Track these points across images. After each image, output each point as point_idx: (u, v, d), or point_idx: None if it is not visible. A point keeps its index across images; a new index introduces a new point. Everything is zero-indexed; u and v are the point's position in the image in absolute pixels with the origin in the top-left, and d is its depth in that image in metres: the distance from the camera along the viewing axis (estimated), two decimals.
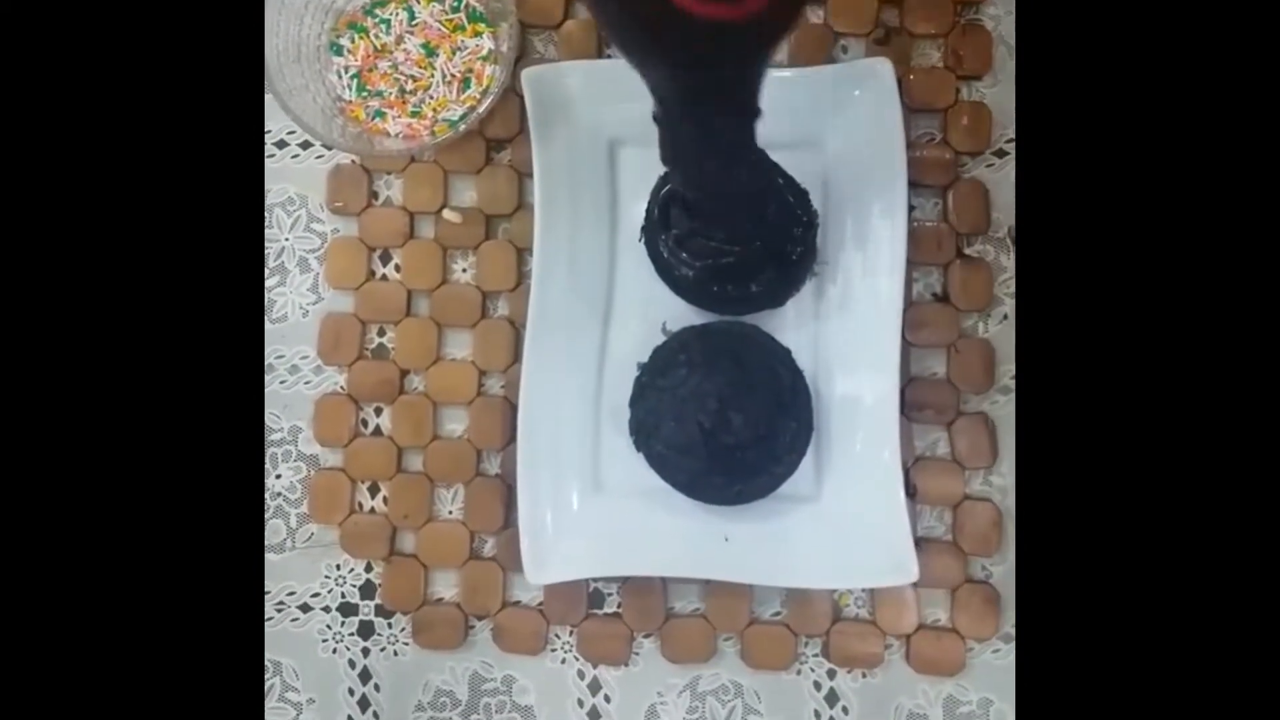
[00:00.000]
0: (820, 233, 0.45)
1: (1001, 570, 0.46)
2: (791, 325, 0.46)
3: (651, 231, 0.45)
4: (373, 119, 0.49)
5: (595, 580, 0.47)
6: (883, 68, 0.45)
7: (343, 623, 0.48)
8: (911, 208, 0.46)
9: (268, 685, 0.48)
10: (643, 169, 0.46)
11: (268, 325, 0.49)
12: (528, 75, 0.46)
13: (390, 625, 0.48)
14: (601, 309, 0.47)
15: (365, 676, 0.48)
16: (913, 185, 0.45)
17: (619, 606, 0.47)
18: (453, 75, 0.48)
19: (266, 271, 0.50)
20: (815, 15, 0.48)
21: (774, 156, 0.45)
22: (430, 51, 0.48)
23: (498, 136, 0.49)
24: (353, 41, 0.49)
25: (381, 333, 0.49)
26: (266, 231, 0.50)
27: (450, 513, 0.48)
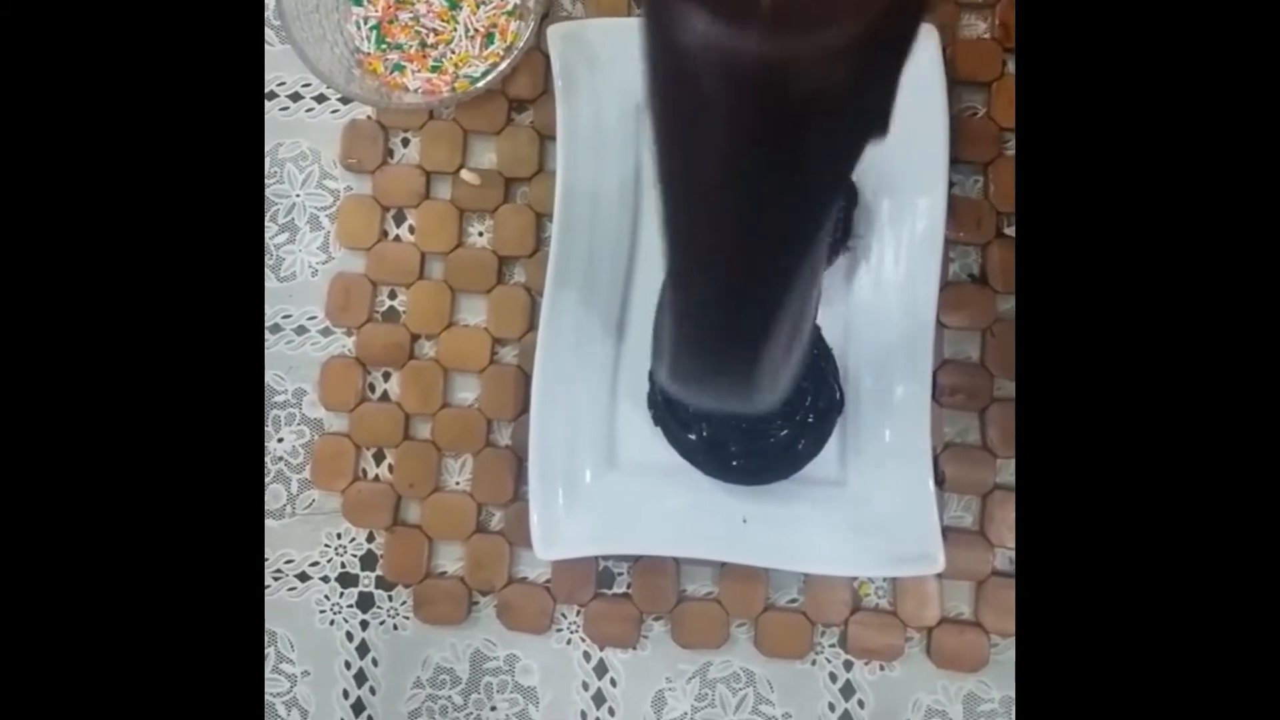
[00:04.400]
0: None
1: None
2: (821, 301, 0.44)
3: None
4: (391, 73, 0.47)
5: (605, 558, 0.45)
6: (927, 36, 0.43)
7: (342, 594, 0.46)
8: (951, 184, 0.44)
9: None
10: None
11: (275, 284, 0.48)
12: (554, 32, 0.45)
13: (391, 598, 0.46)
14: (622, 278, 0.46)
15: (363, 650, 0.46)
16: (953, 161, 0.43)
17: (629, 587, 0.45)
18: (476, 30, 0.46)
19: (276, 228, 0.48)
20: None
21: None
22: (453, 4, 0.46)
23: (520, 96, 0.47)
24: None
25: (393, 295, 0.48)
26: (277, 187, 0.48)
27: (457, 483, 0.46)
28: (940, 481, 0.44)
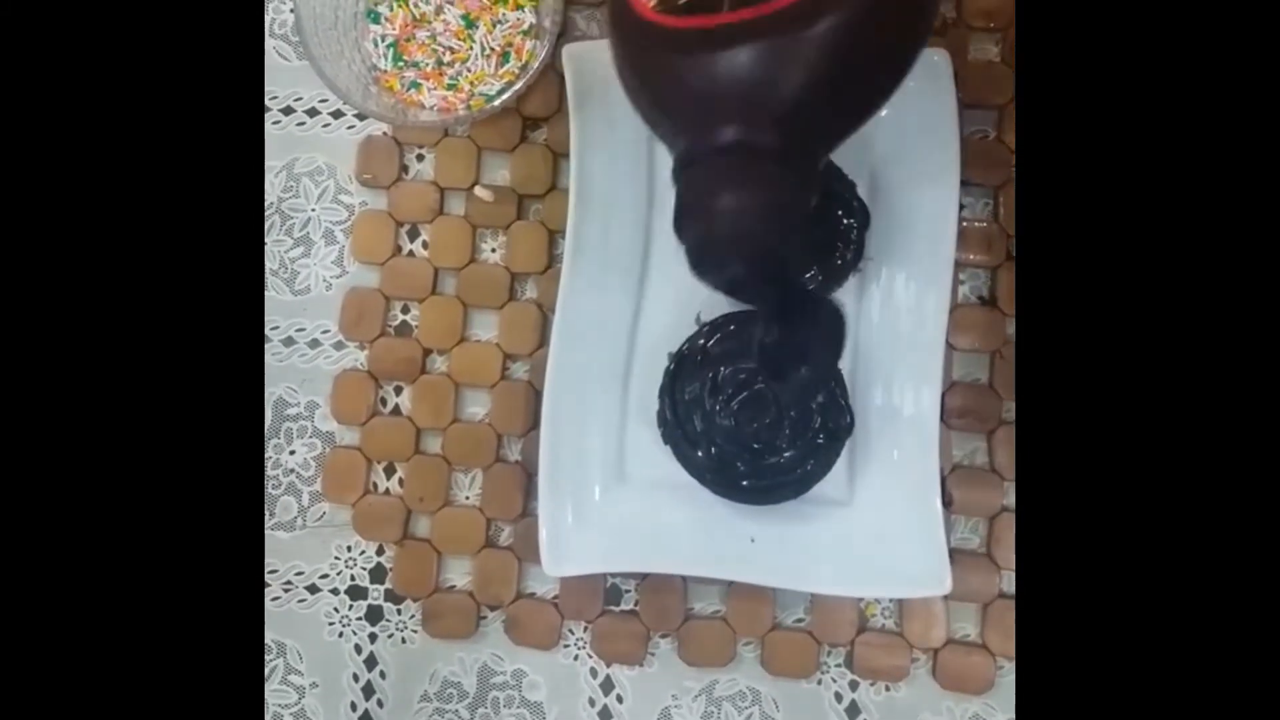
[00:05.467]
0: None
1: None
2: None
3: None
4: (408, 90, 0.47)
5: (613, 575, 0.45)
6: (939, 59, 0.43)
7: (351, 606, 0.47)
8: (961, 206, 0.44)
9: (271, 667, 0.46)
10: None
11: (290, 297, 0.48)
12: (569, 52, 0.45)
13: (399, 611, 0.46)
14: (634, 296, 0.46)
15: (371, 663, 0.46)
16: (963, 183, 0.44)
17: (636, 604, 0.45)
18: (492, 49, 0.47)
19: (291, 242, 0.48)
20: None
21: None
22: (470, 23, 0.47)
23: (535, 115, 0.47)
24: (391, 9, 0.47)
25: (405, 310, 0.48)
26: (293, 201, 0.49)
27: (467, 498, 0.47)
28: (948, 503, 0.44)
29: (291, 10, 0.43)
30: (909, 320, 0.43)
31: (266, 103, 0.49)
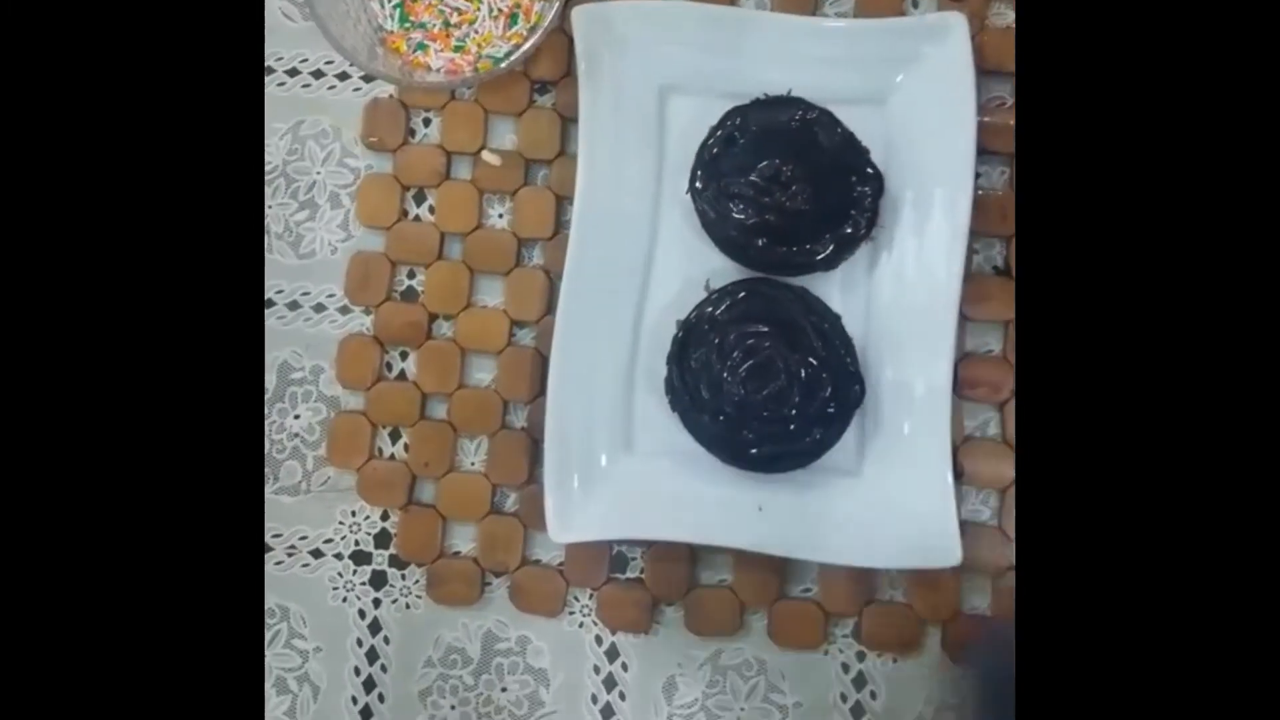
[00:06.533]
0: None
1: None
2: (841, 290, 0.44)
3: (705, 175, 0.42)
4: (414, 52, 0.46)
5: (619, 543, 0.45)
6: (956, 23, 0.42)
7: (355, 571, 0.46)
8: (976, 174, 0.43)
9: (275, 631, 0.46)
10: (693, 118, 0.44)
11: (295, 261, 0.48)
12: (578, 14, 0.44)
13: (404, 577, 0.46)
14: (642, 263, 0.45)
15: (375, 628, 0.46)
16: (979, 151, 0.43)
17: (642, 572, 0.45)
18: (500, 10, 0.46)
19: (296, 205, 0.48)
20: None
21: (836, 112, 0.43)
22: None
23: (543, 78, 0.47)
24: None
25: (411, 275, 0.47)
26: (298, 164, 0.48)
27: (473, 464, 0.46)
28: (958, 474, 0.44)
29: None
30: (922, 289, 0.43)
31: (272, 64, 0.48)
